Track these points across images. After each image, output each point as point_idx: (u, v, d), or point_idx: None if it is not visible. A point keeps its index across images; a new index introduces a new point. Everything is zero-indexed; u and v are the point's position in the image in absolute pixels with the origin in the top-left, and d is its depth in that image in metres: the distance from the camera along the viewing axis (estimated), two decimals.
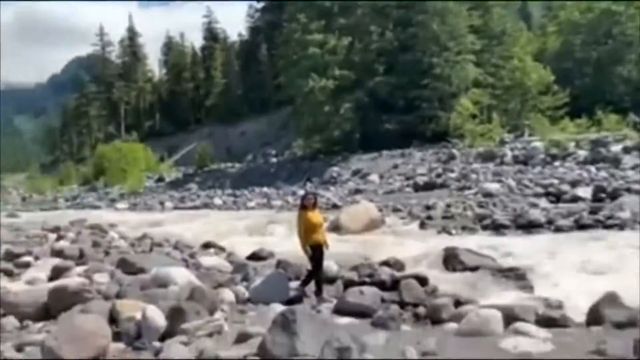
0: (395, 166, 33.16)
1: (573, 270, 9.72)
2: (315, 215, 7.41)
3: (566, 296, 7.66)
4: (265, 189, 33.99)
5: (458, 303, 6.68)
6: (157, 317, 4.86)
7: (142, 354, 4.53)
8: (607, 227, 13.43)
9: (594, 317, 5.78)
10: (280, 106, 55.76)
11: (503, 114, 38.30)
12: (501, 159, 29.85)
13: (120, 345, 4.62)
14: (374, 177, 31.36)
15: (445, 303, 6.33)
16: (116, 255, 9.85)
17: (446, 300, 6.43)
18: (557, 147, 29.36)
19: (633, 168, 22.85)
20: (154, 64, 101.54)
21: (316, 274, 7.27)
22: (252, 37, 76.90)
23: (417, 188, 26.32)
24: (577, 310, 7.21)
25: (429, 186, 25.89)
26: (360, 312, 6.23)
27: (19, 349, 4.58)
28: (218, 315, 5.49)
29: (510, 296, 7.77)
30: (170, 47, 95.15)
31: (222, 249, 11.96)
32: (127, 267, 8.30)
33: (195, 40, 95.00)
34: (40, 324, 5.60)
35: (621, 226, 13.30)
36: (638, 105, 35.76)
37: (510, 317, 5.69)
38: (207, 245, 12.25)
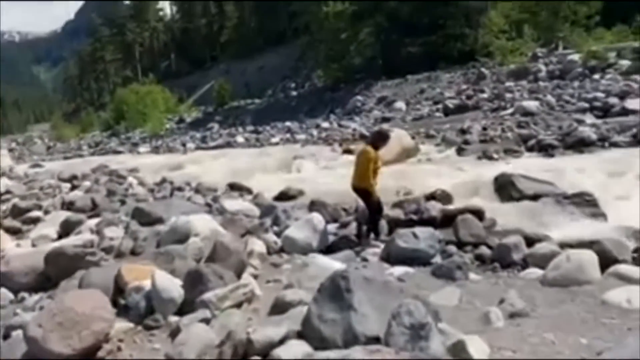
0: (422, 91, 31.58)
1: None
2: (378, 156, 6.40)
3: None
4: (287, 124, 32.84)
5: (528, 240, 5.64)
6: (172, 286, 3.94)
7: (155, 335, 3.63)
8: None
9: None
10: (297, 36, 53.44)
11: (534, 27, 35.65)
12: (535, 76, 28.02)
13: (128, 325, 3.73)
14: (400, 104, 29.87)
15: (515, 242, 5.29)
16: (133, 204, 8.99)
17: (515, 238, 5.38)
18: (596, 58, 27.17)
19: None
20: (164, 2, 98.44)
21: (378, 217, 6.32)
22: None
23: (447, 112, 24.99)
24: None
25: (460, 109, 24.52)
26: (415, 258, 5.24)
27: (6, 334, 3.74)
28: (247, 275, 4.55)
29: (583, 227, 6.71)
30: None
31: (247, 190, 11.03)
32: (143, 217, 7.42)
33: None
34: (37, 296, 4.76)
35: None
36: None
37: (601, 256, 4.62)
38: (231, 187, 11.34)
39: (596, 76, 24.61)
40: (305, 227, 6.15)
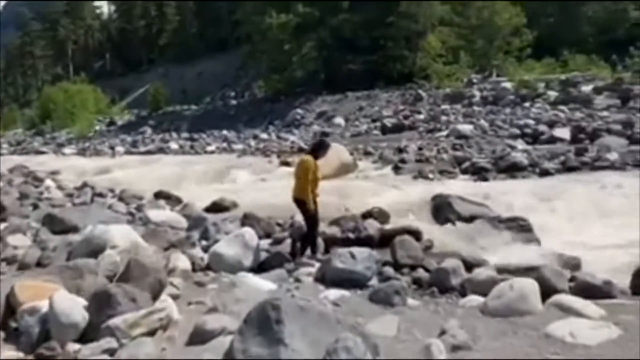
0: (361, 108, 31.93)
1: (575, 217, 8.77)
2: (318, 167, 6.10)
3: (576, 250, 6.64)
4: (225, 132, 32.17)
5: (466, 264, 5.49)
6: (73, 309, 3.40)
7: None
8: (596, 169, 12.61)
9: None
10: (240, 45, 52.78)
11: (470, 54, 37.03)
12: (469, 100, 28.99)
13: (16, 354, 3.16)
14: (339, 120, 30.03)
15: (454, 266, 5.12)
16: (47, 209, 8.21)
17: (454, 262, 5.21)
18: (527, 87, 28.50)
19: (606, 108, 22.19)
20: (102, 1, 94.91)
21: (314, 234, 5.99)
22: None
23: (385, 130, 25.29)
24: (592, 267, 6.21)
25: (397, 128, 24.91)
26: (352, 281, 4.94)
27: None
28: (165, 296, 4.03)
29: (519, 252, 6.69)
30: None
31: (176, 200, 10.41)
32: (56, 224, 6.73)
33: None
34: None
35: (610, 168, 12.50)
36: (602, 47, 34.97)
37: (541, 284, 4.49)
38: (159, 195, 10.66)
39: (526, 104, 25.68)
40: (236, 242, 5.71)
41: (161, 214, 8.07)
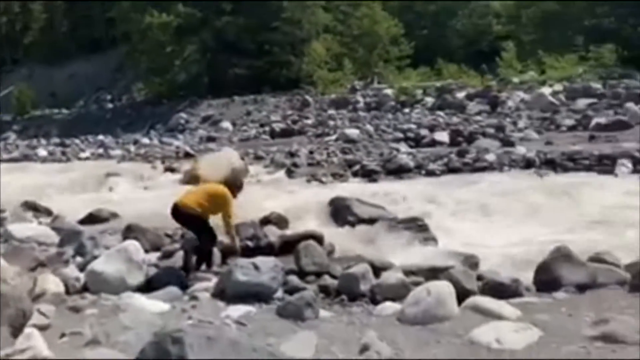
0: (248, 113, 31.62)
1: (463, 216, 9.05)
2: None
3: (469, 248, 6.74)
4: (101, 137, 30.06)
5: (373, 268, 5.26)
6: None
7: None
8: (476, 169, 13.29)
9: (547, 279, 4.68)
10: (115, 45, 49.74)
11: (352, 62, 38.11)
12: (354, 106, 29.84)
13: None
14: (227, 124, 29.46)
15: (362, 271, 4.86)
16: None
17: (362, 267, 4.96)
18: (406, 94, 29.92)
19: (478, 113, 23.82)
20: None
21: (212, 245, 5.58)
22: None
23: (274, 135, 25.25)
24: (487, 265, 6.31)
25: (286, 133, 25.00)
26: (256, 294, 4.47)
27: None
28: (30, 329, 3.27)
29: (419, 252, 6.66)
30: None
31: (46, 211, 9.23)
32: None
33: None
34: None
35: (489, 168, 13.23)
36: (470, 57, 37.72)
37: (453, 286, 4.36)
38: (24, 207, 9.38)
39: (407, 110, 26.93)
40: (118, 258, 4.98)
41: (26, 228, 7.01)
